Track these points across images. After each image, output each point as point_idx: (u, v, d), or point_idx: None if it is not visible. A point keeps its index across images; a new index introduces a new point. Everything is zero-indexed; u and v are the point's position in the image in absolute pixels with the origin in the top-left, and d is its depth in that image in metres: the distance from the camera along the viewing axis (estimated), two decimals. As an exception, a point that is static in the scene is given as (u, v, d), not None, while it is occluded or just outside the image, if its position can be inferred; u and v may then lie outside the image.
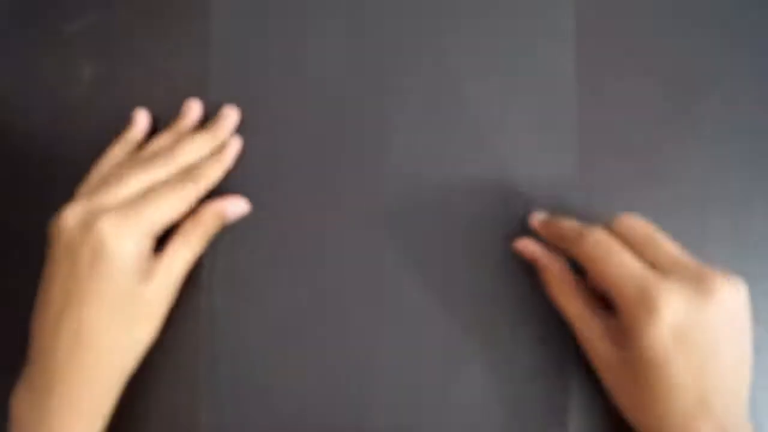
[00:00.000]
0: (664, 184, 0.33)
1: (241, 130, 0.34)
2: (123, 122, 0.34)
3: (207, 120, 0.34)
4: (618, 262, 0.26)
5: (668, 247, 0.27)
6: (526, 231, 0.32)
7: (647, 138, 0.33)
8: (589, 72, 0.33)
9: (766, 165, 0.33)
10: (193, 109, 0.33)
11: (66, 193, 0.32)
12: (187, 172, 0.30)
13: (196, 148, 0.31)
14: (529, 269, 0.32)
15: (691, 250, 0.27)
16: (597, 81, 0.33)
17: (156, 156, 0.31)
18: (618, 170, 0.33)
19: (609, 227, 0.28)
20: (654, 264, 0.26)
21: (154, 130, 0.34)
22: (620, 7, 0.34)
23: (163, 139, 0.32)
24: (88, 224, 0.27)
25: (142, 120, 0.33)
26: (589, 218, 0.31)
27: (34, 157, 0.34)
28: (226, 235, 0.33)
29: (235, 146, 0.33)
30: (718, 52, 0.34)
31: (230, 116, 0.33)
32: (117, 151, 0.32)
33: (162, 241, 0.30)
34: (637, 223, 0.28)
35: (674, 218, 0.32)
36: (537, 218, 0.31)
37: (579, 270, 0.30)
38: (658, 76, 0.34)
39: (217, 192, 0.32)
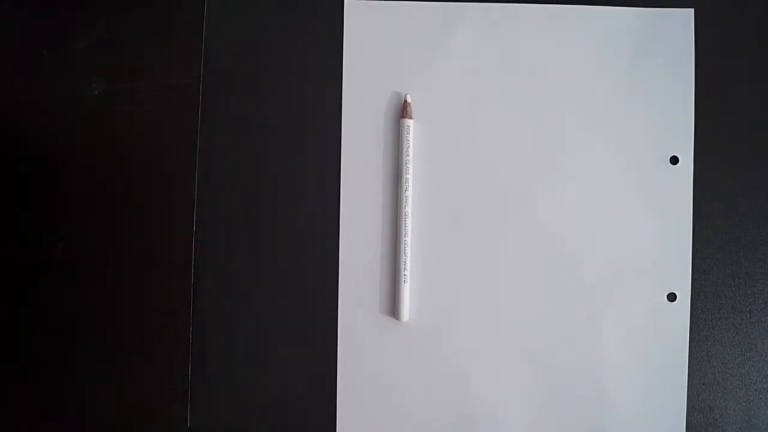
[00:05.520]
0: None
1: (227, 140, 0.35)
2: (131, 135, 0.35)
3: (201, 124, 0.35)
4: None
5: None
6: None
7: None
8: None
9: None
10: None
11: (78, 202, 0.34)
12: None
13: None
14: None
15: None
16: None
17: None
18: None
19: None
20: None
21: (156, 140, 0.35)
22: None
23: None
24: None
25: None
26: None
27: (46, 169, 0.35)
28: (215, 241, 0.34)
29: None
30: None
31: None
32: None
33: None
34: None
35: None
36: None
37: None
38: None
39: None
